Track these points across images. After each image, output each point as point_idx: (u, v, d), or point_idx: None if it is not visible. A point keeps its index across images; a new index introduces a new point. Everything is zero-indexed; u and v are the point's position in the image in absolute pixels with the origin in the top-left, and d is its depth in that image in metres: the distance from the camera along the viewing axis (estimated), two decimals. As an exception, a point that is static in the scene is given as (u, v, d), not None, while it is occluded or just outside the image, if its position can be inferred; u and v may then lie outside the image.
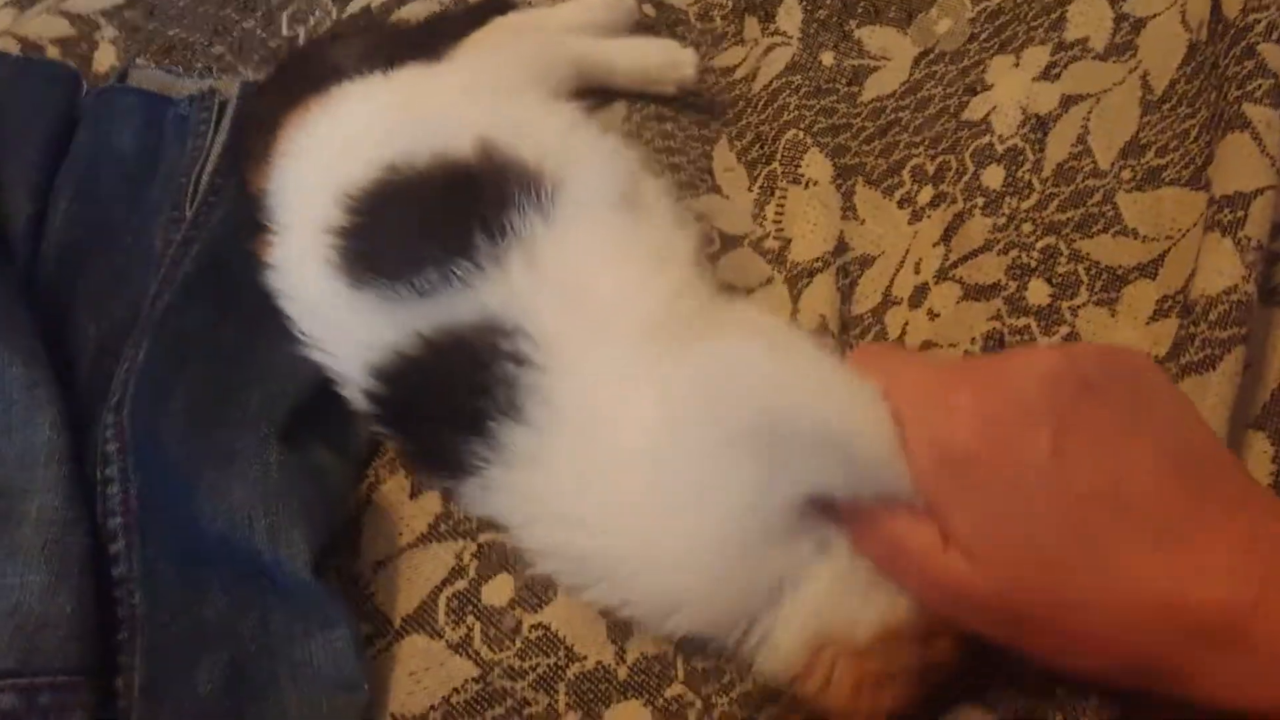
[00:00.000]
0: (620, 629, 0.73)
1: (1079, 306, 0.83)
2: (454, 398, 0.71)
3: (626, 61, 1.04)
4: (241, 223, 0.91)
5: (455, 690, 0.72)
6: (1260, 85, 0.81)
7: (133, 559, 0.71)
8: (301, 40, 1.15)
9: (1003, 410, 0.57)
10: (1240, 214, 0.76)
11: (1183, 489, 0.55)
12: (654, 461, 0.67)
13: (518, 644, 0.73)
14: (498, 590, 0.76)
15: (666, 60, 1.05)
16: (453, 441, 0.71)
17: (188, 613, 0.70)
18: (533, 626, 0.74)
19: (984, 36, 1.01)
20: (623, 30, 1.07)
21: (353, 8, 1.17)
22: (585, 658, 0.72)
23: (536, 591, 0.75)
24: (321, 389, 0.81)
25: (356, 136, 0.83)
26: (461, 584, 0.76)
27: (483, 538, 0.78)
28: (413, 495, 0.81)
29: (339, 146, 0.83)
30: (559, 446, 0.69)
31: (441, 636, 0.74)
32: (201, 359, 0.81)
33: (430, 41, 1.03)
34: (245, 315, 0.85)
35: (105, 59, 1.15)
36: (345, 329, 0.77)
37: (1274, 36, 0.83)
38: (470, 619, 0.75)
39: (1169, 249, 0.83)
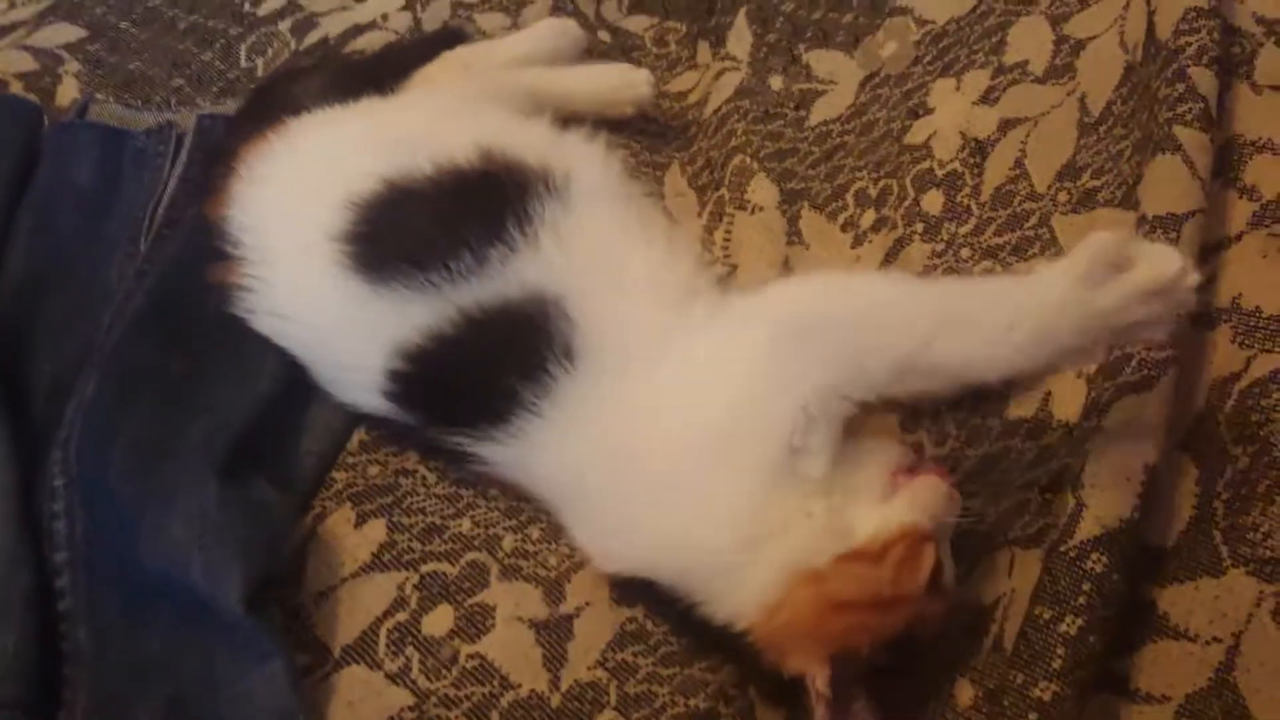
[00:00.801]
0: (555, 658, 0.74)
1: (1014, 330, 0.84)
2: (505, 357, 0.76)
3: (582, 86, 1.06)
4: (194, 254, 0.92)
5: (391, 719, 0.73)
6: (1191, 109, 0.81)
7: (77, 594, 0.72)
8: (260, 71, 1.16)
9: None
10: (1173, 235, 0.77)
11: None
12: (688, 407, 0.73)
13: (454, 673, 0.74)
14: (438, 621, 0.77)
15: (622, 81, 1.06)
16: (496, 394, 0.76)
17: (131, 648, 0.71)
18: (470, 656, 0.75)
19: (927, 59, 1.02)
20: (572, 59, 1.09)
21: (311, 39, 1.18)
22: (519, 686, 0.73)
23: (475, 621, 0.76)
24: (265, 422, 0.82)
25: (339, 157, 0.86)
26: (402, 615, 0.77)
27: (425, 568, 0.79)
28: (357, 525, 0.82)
29: (321, 167, 0.86)
30: (603, 392, 0.74)
31: (380, 667, 0.75)
32: (148, 393, 0.82)
33: (383, 73, 1.04)
34: (194, 347, 0.86)
35: (68, 93, 1.17)
36: (360, 323, 0.80)
37: (1204, 60, 0.83)
38: (409, 649, 0.76)
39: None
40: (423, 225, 0.79)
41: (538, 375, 0.74)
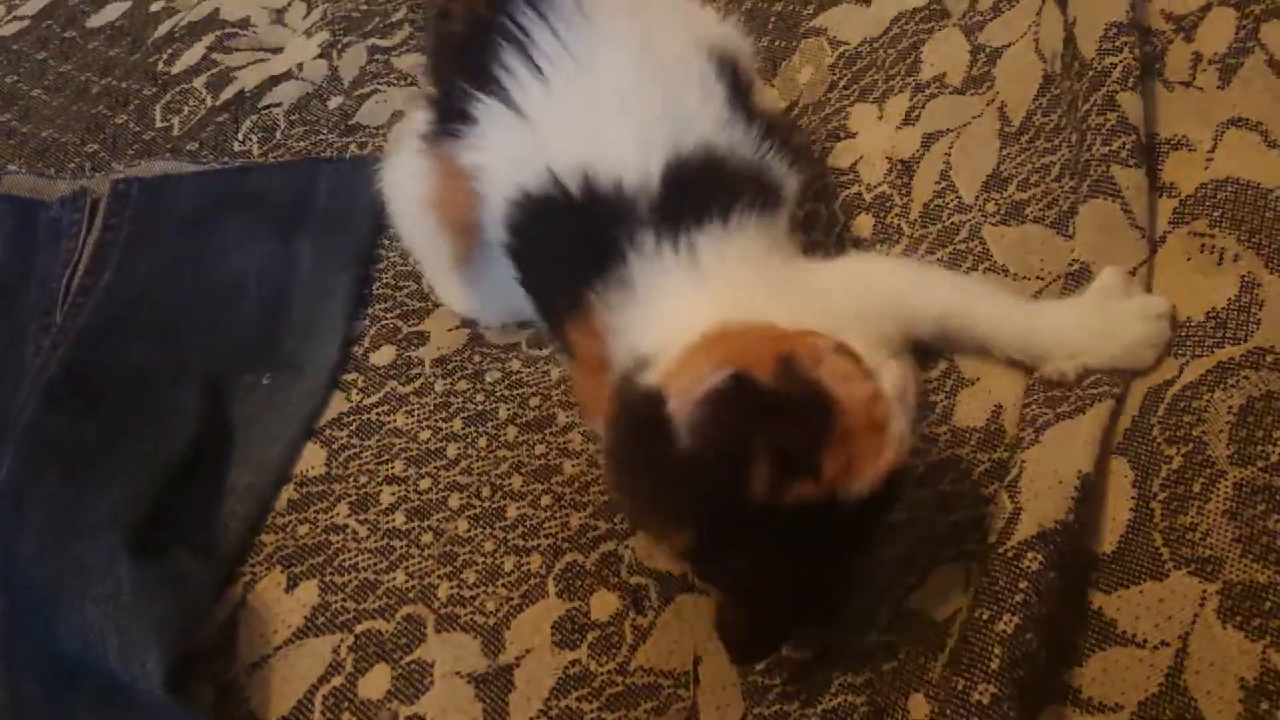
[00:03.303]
0: (496, 712, 0.72)
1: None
2: None
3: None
4: (108, 319, 0.91)
5: (330, 791, 0.70)
6: (1125, 144, 0.81)
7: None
8: (176, 130, 1.15)
9: None
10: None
11: None
12: None
13: (393, 737, 0.72)
14: (374, 682, 0.74)
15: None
16: None
17: (54, 734, 0.69)
18: (409, 718, 0.72)
19: (843, 84, 1.02)
20: None
21: (226, 94, 1.17)
22: (459, 747, 0.71)
23: (413, 680, 0.74)
24: (184, 487, 0.80)
25: None
26: (338, 680, 0.75)
27: (360, 628, 0.77)
28: (289, 589, 0.80)
29: None
30: None
31: (317, 737, 0.73)
32: (60, 465, 0.80)
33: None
34: (108, 413, 0.84)
35: (-20, 164, 1.15)
36: None
37: (1130, 83, 0.83)
38: (346, 715, 0.73)
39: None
40: None
41: None
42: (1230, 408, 0.68)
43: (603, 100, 0.78)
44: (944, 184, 0.91)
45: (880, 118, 0.98)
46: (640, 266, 0.72)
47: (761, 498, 0.59)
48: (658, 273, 0.73)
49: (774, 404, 0.60)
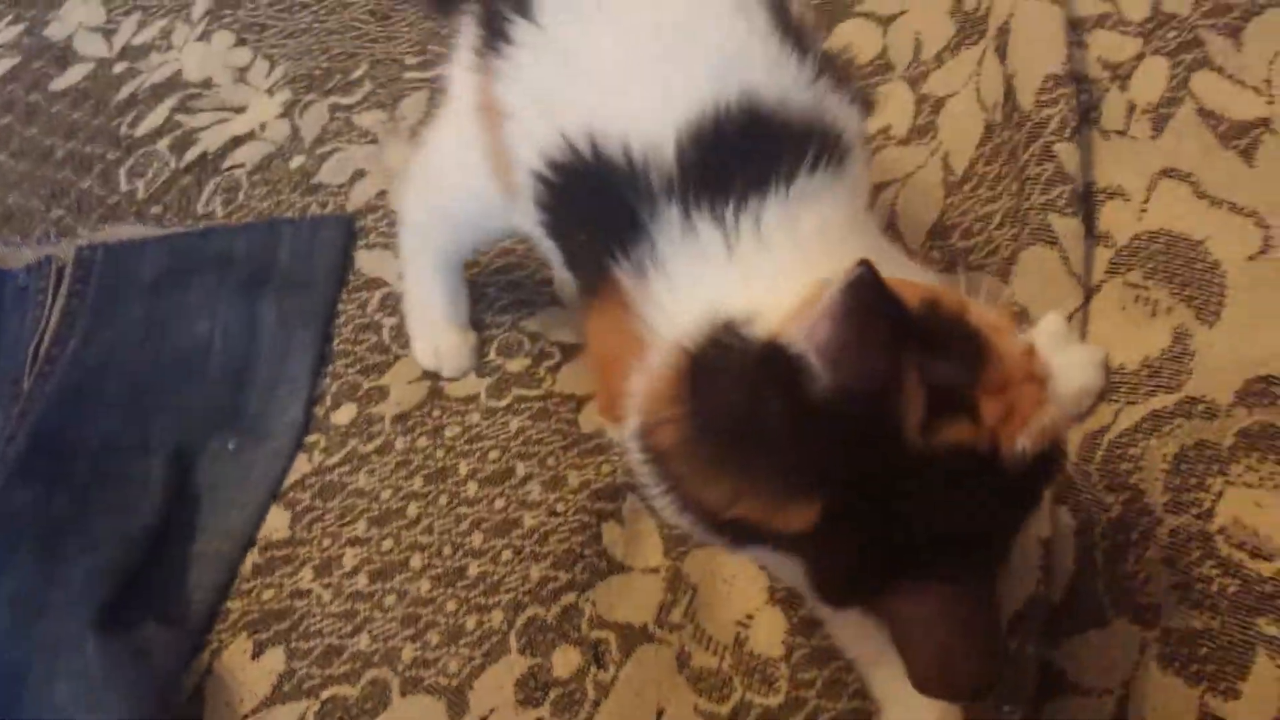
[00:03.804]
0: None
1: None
2: None
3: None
4: (75, 388, 0.92)
5: None
6: (1062, 193, 0.83)
7: (-28, 766, 0.71)
8: (141, 193, 1.16)
9: None
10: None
11: None
12: None
13: (360, 803, 0.73)
14: (340, 749, 0.75)
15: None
16: None
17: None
18: (375, 784, 0.74)
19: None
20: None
21: (190, 155, 1.18)
22: (426, 810, 0.72)
23: (378, 744, 0.75)
24: (152, 557, 0.81)
25: None
26: (304, 748, 0.76)
27: (325, 694, 0.78)
28: (255, 656, 0.80)
29: None
30: None
31: (284, 807, 0.74)
32: (30, 538, 0.81)
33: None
34: (76, 484, 0.85)
35: (-54, 232, 1.16)
36: None
37: (1066, 133, 0.86)
38: (314, 784, 0.74)
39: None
40: None
41: None
42: (1165, 455, 0.70)
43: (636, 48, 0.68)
44: (890, 233, 0.93)
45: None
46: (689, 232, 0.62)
47: (914, 435, 0.50)
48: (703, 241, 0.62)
49: (919, 329, 0.51)
